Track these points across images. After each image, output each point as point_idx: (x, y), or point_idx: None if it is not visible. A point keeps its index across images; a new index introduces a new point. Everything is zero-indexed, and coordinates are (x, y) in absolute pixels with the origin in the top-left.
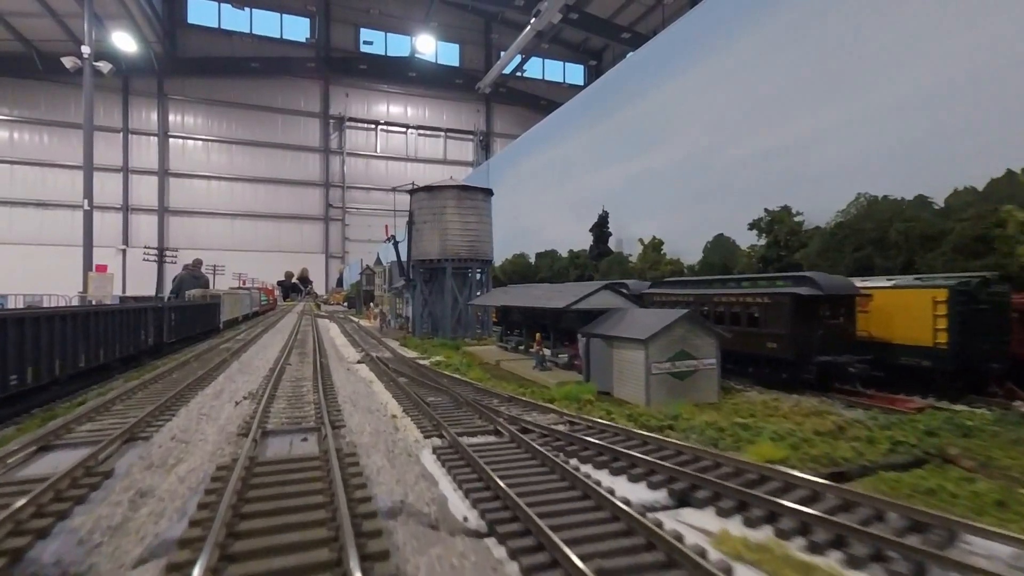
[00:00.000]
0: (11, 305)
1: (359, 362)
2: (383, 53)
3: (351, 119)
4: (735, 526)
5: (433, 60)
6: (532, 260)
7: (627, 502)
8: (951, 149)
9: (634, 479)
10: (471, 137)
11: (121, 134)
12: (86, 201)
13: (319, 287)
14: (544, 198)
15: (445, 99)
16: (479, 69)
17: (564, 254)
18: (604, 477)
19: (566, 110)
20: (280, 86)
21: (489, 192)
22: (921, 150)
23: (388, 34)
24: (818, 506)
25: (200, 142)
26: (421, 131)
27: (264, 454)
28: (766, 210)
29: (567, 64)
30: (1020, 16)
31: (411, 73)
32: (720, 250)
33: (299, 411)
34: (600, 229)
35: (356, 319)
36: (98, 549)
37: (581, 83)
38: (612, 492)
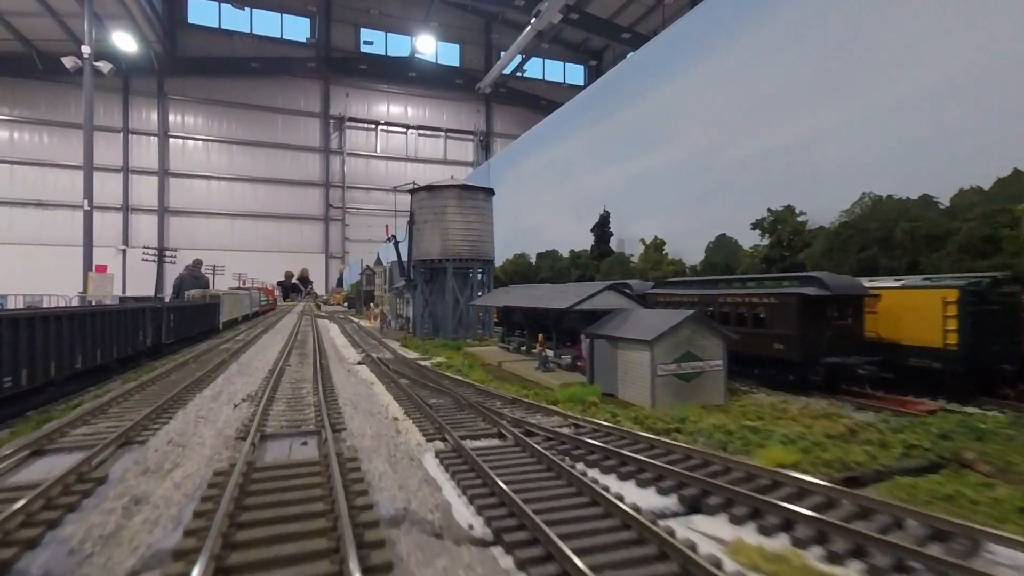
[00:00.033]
0: (11, 305)
1: (359, 363)
2: (383, 53)
3: (351, 119)
4: (749, 534)
5: (433, 60)
6: (533, 260)
7: (637, 508)
8: (954, 149)
9: (643, 484)
10: (471, 137)
11: (121, 134)
12: (86, 201)
13: (319, 287)
14: (545, 198)
15: (445, 99)
16: (479, 69)
17: (565, 254)
18: (612, 482)
19: (566, 110)
20: (280, 86)
21: (490, 191)
22: (923, 150)
23: (388, 34)
24: (835, 513)
25: (200, 142)
26: (421, 131)
27: (263, 459)
28: (769, 210)
29: (567, 64)
30: (1022, 15)
31: (411, 73)
32: (722, 250)
33: (299, 414)
34: (601, 229)
35: (356, 319)
36: (89, 560)
37: (581, 83)
38: (621, 498)
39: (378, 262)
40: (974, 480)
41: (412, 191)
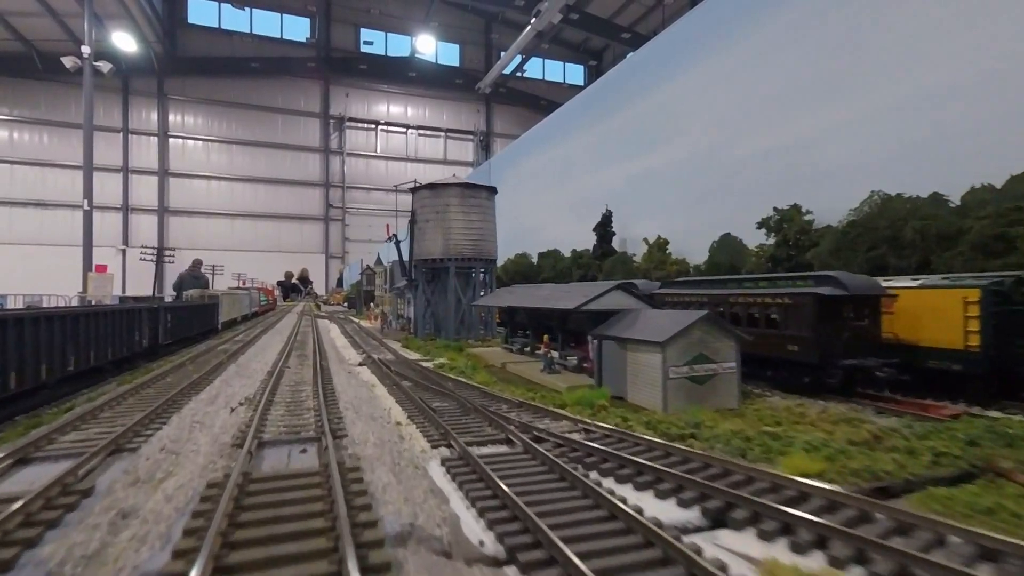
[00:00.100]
0: (11, 305)
1: (360, 364)
2: (383, 53)
3: (351, 119)
4: (782, 552)
5: (433, 60)
6: (534, 260)
7: (658, 523)
8: (961, 147)
9: (662, 495)
10: (471, 137)
11: (121, 134)
12: (86, 201)
13: (319, 287)
14: (546, 197)
15: (445, 99)
16: (479, 69)
17: (567, 254)
18: (629, 492)
19: (567, 110)
20: (280, 86)
21: (493, 190)
22: (928, 149)
23: (388, 34)
24: (872, 529)
25: (200, 142)
26: (421, 131)
27: (259, 467)
28: (775, 209)
29: (567, 64)
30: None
31: (411, 73)
32: (727, 250)
33: (298, 419)
34: (603, 229)
35: (356, 320)
36: None
37: (581, 83)
38: (640, 511)
39: (378, 262)
40: (1013, 491)
41: (413, 190)
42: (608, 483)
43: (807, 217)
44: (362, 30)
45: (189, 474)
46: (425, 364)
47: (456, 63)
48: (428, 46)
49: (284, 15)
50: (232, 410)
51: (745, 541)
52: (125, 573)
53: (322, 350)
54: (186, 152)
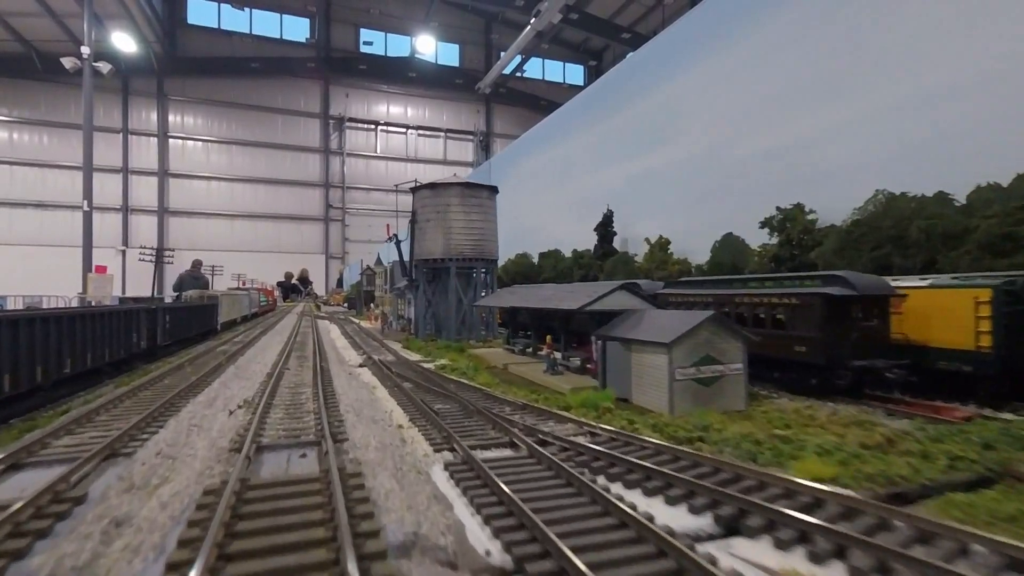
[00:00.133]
0: (11, 306)
1: (361, 365)
2: (383, 53)
3: (351, 119)
4: (800, 562)
5: (433, 60)
6: (535, 260)
7: (670, 531)
8: (961, 146)
9: (672, 502)
10: (471, 137)
11: (121, 134)
12: (86, 202)
13: (319, 288)
14: (546, 197)
15: (445, 99)
16: (479, 69)
17: (567, 254)
18: (638, 499)
19: (567, 109)
20: (280, 86)
21: (494, 190)
22: (931, 148)
23: (388, 34)
24: (892, 538)
25: (200, 142)
26: (421, 131)
27: (258, 473)
28: (778, 208)
29: (567, 64)
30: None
31: (411, 73)
32: (729, 249)
33: (298, 422)
34: (604, 228)
35: (356, 320)
36: None
37: (581, 83)
38: (651, 518)
39: (378, 262)
40: None
41: (414, 189)
42: (616, 488)
43: (810, 216)
44: (362, 30)
45: (185, 480)
46: (426, 365)
47: (456, 63)
48: (428, 46)
49: (284, 15)
50: (231, 413)
51: (761, 550)
52: None
53: (322, 351)
54: (186, 152)
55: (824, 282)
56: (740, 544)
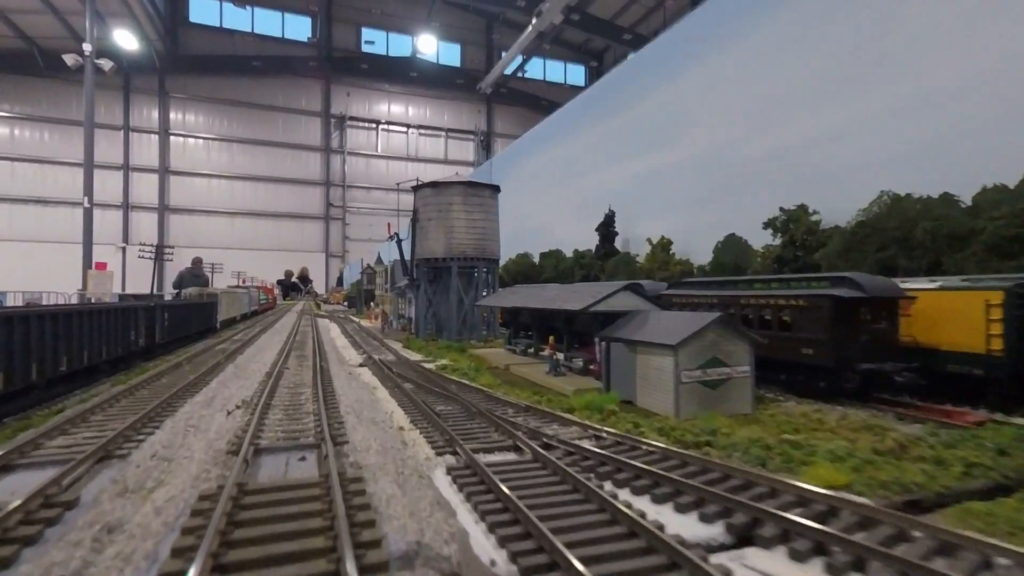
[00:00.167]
0: (11, 302)
1: (361, 365)
2: (384, 53)
3: (352, 118)
4: (817, 575)
5: (434, 60)
6: (536, 260)
7: (682, 541)
8: (962, 148)
9: (682, 509)
10: (472, 137)
11: (122, 132)
12: (86, 198)
13: (319, 286)
14: (547, 197)
15: (446, 99)
16: (480, 69)
17: (569, 254)
18: (647, 506)
19: (569, 109)
20: (281, 85)
21: (496, 189)
22: (933, 149)
23: (390, 34)
24: (912, 549)
25: (201, 140)
26: (422, 131)
27: (256, 477)
28: (782, 209)
29: (568, 65)
30: None
31: (412, 73)
32: (731, 250)
33: (297, 423)
34: (606, 229)
35: (357, 319)
36: None
37: (582, 84)
38: (661, 527)
39: (379, 261)
40: None
41: (416, 188)
42: (624, 495)
43: (814, 217)
44: (363, 30)
45: (181, 484)
46: (427, 365)
47: (457, 63)
48: (429, 46)
49: (286, 14)
50: (229, 413)
51: (776, 562)
52: None
53: (322, 350)
54: (187, 150)
55: (832, 283)
56: (754, 555)
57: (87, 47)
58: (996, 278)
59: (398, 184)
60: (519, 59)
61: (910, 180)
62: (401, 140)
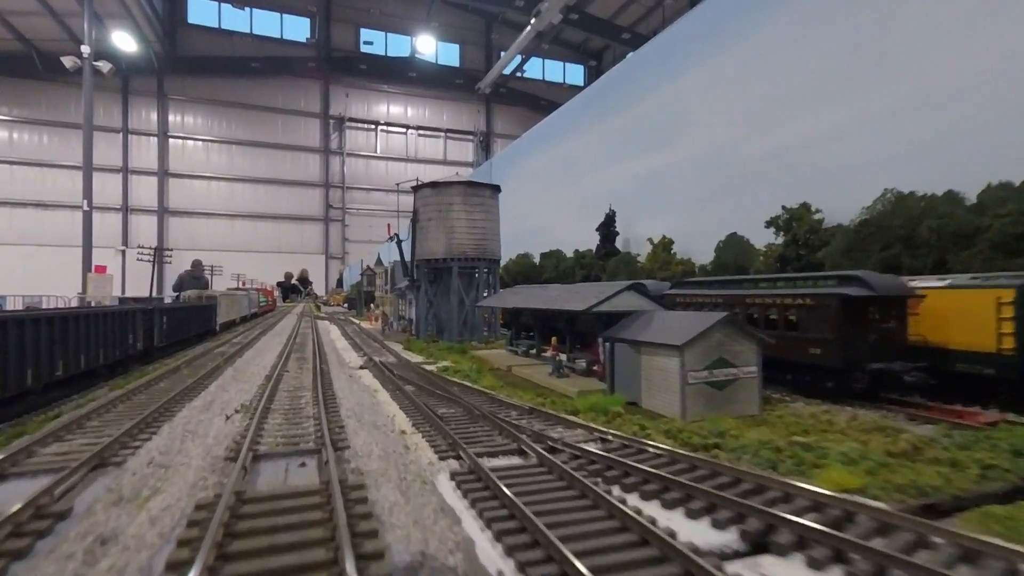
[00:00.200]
0: (10, 306)
1: (361, 367)
2: (383, 53)
3: (351, 119)
4: None
5: (433, 60)
6: (536, 260)
7: (695, 549)
8: (962, 147)
9: (693, 515)
10: (471, 138)
11: (121, 134)
12: (85, 201)
13: (319, 288)
14: (547, 197)
15: (445, 99)
16: (479, 69)
17: (569, 254)
18: (656, 511)
19: (568, 109)
20: (280, 86)
21: (497, 188)
22: (935, 148)
23: (388, 34)
24: (935, 556)
25: (200, 142)
26: (421, 131)
27: (255, 483)
28: (784, 207)
29: (567, 65)
30: None
31: (411, 73)
32: (733, 249)
33: (297, 428)
34: (607, 228)
35: (357, 321)
36: None
37: (581, 84)
38: (672, 534)
39: (379, 262)
40: None
41: (416, 188)
42: (633, 500)
43: (817, 216)
44: (362, 30)
45: (178, 492)
46: (428, 367)
47: (456, 63)
48: (428, 46)
49: (284, 15)
50: (227, 418)
51: (793, 570)
52: None
53: (322, 353)
54: (186, 152)
55: (840, 282)
56: (770, 563)
57: (85, 49)
58: (1007, 276)
59: (398, 184)
60: (518, 59)
61: (910, 180)
62: (400, 141)
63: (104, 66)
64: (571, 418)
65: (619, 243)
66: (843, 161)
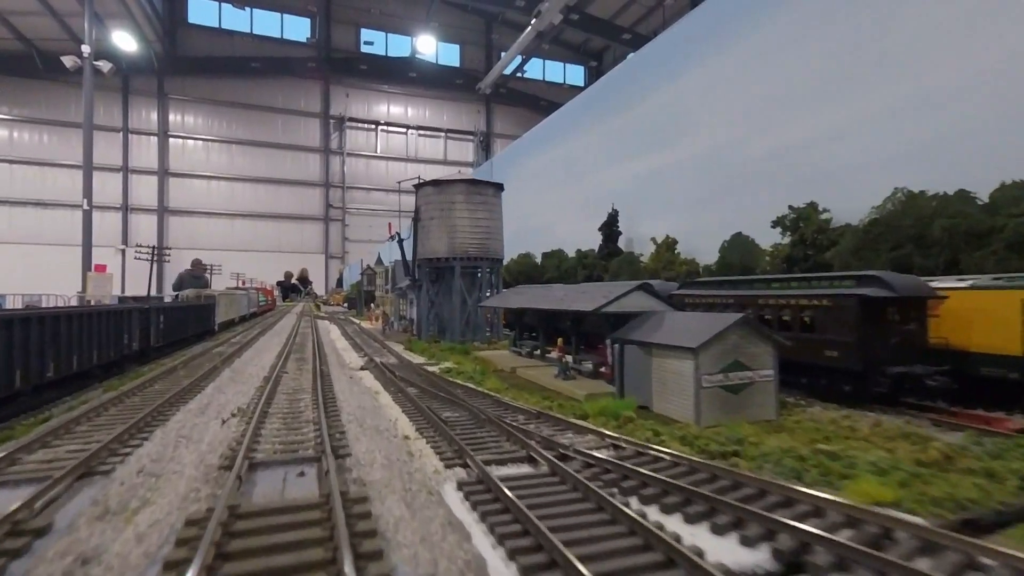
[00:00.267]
0: (10, 305)
1: (362, 368)
2: (384, 53)
3: (351, 119)
4: None
5: (434, 60)
6: (538, 260)
7: (727, 572)
8: (962, 147)
9: (719, 531)
10: (471, 138)
11: (121, 133)
12: (85, 201)
13: (319, 287)
14: (549, 197)
15: (445, 100)
16: (479, 70)
17: (571, 254)
18: (679, 526)
19: (569, 109)
20: (280, 86)
21: (499, 187)
22: (936, 148)
23: (389, 34)
24: None
25: (200, 142)
26: (421, 131)
27: (250, 495)
28: (791, 207)
29: (568, 65)
30: None
31: (412, 73)
32: (738, 249)
33: (296, 433)
34: (609, 228)
35: (357, 320)
36: None
37: (581, 84)
38: (700, 553)
39: (379, 262)
40: None
41: (418, 187)
42: (653, 514)
43: (824, 216)
44: (362, 30)
45: (167, 504)
46: (431, 368)
47: (456, 63)
48: (428, 46)
49: (284, 15)
50: (223, 422)
51: None
52: None
53: (322, 353)
54: (186, 152)
55: (858, 282)
56: None
57: (86, 49)
58: None
59: (399, 183)
60: (518, 59)
61: (910, 180)
62: (400, 141)
63: (104, 66)
64: (580, 423)
65: (621, 243)
66: (843, 161)
